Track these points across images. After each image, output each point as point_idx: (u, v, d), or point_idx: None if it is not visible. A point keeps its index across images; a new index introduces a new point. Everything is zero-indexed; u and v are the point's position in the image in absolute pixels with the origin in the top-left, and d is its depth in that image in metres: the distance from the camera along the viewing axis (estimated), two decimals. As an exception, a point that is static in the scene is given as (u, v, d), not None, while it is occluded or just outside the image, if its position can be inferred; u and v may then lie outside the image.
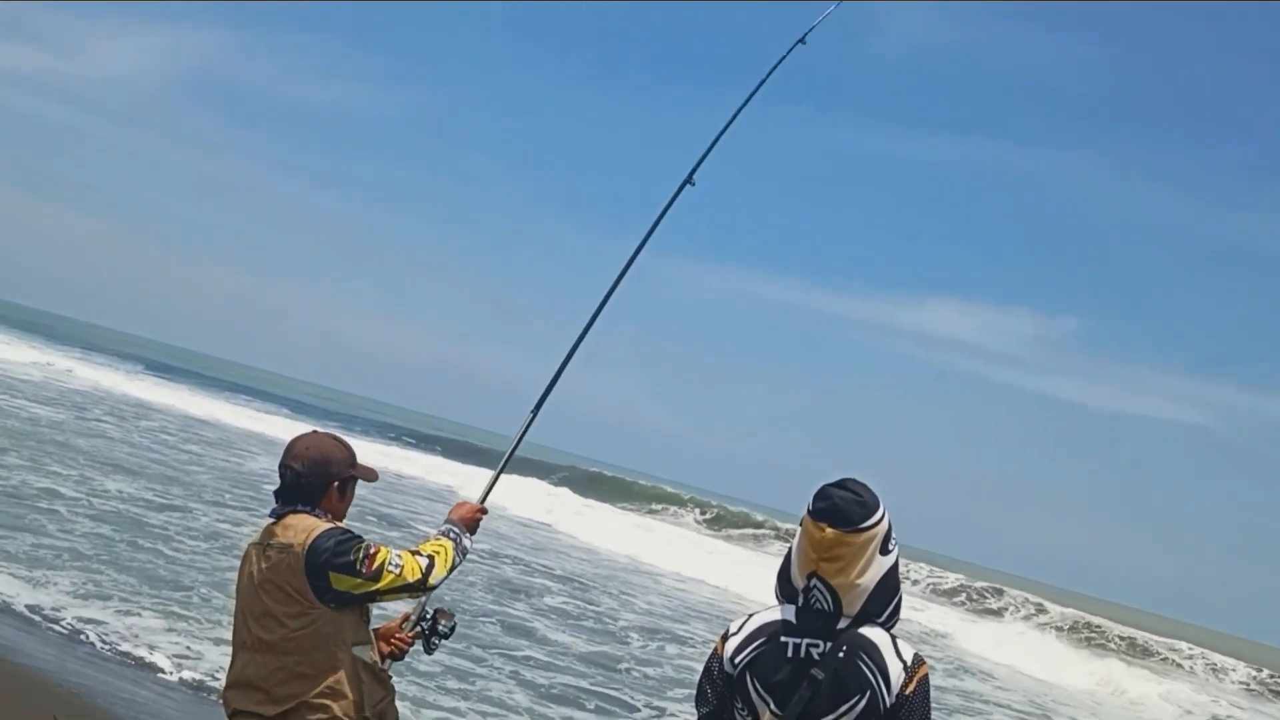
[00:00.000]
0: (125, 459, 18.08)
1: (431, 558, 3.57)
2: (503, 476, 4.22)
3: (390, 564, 3.44)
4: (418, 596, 3.70)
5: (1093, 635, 28.30)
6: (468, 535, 3.78)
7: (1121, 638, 28.06)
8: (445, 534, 3.72)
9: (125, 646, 8.27)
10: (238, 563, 3.66)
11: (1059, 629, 28.20)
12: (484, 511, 3.93)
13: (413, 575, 3.48)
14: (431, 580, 3.53)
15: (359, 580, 3.41)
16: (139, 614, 9.13)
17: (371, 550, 3.44)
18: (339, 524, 3.58)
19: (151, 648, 8.34)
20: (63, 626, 8.43)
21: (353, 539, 3.46)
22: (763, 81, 4.99)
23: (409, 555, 3.53)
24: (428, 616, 3.87)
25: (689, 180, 4.70)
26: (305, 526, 3.49)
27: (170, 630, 8.92)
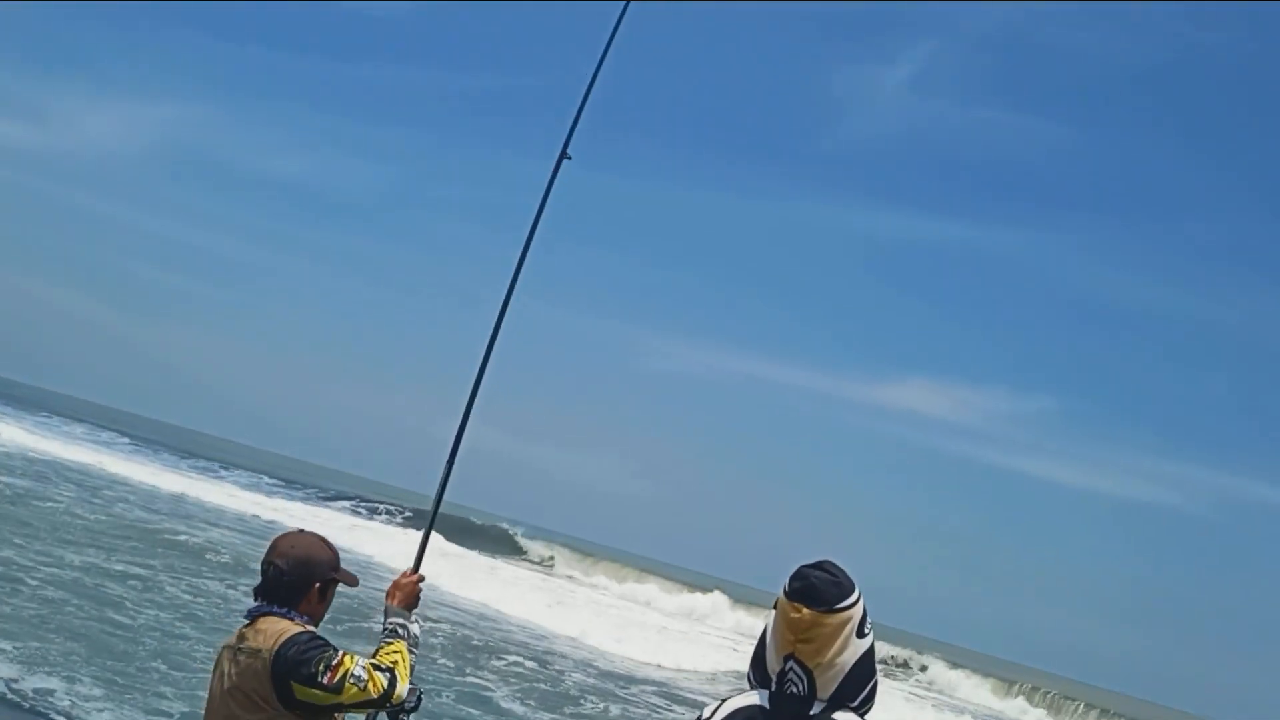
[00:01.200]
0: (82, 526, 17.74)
1: (392, 671, 3.48)
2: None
3: (353, 676, 3.37)
4: (383, 710, 3.59)
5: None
6: (414, 621, 3.69)
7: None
8: (393, 632, 3.63)
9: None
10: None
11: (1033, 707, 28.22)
12: (422, 579, 3.81)
13: (376, 691, 3.40)
14: (395, 695, 3.45)
15: (320, 692, 3.34)
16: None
17: (334, 661, 3.37)
18: (311, 628, 3.52)
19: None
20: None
21: (317, 648, 3.39)
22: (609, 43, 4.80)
23: (371, 669, 3.43)
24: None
25: (564, 155, 4.57)
26: (275, 631, 3.44)
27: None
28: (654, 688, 17.65)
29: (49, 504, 19.11)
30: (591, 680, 16.47)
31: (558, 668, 16.64)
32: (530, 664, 16.03)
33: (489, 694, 13.09)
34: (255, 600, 3.57)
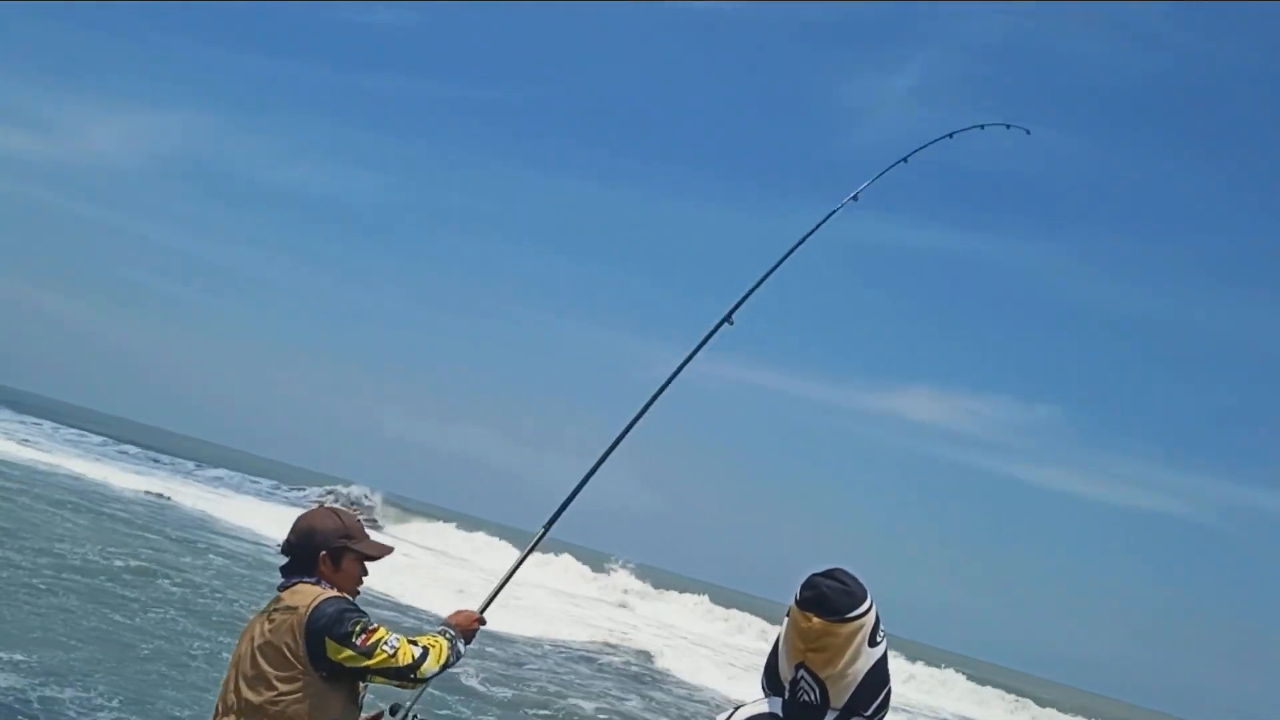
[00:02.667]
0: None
1: (426, 649, 3.57)
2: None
3: (385, 644, 3.46)
4: (406, 687, 3.65)
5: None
6: (463, 640, 3.76)
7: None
8: (441, 633, 3.72)
9: None
10: None
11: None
12: (482, 622, 3.91)
13: (404, 660, 3.48)
14: (423, 670, 3.53)
15: (352, 652, 3.44)
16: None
17: (370, 626, 3.48)
18: (346, 595, 3.62)
19: None
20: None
21: (355, 612, 3.51)
22: (809, 234, 5.01)
23: (404, 641, 3.54)
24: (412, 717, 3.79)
25: (727, 319, 4.65)
26: (311, 593, 3.55)
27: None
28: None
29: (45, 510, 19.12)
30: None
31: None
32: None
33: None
34: (283, 576, 3.68)
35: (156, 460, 46.72)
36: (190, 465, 48.47)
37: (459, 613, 3.88)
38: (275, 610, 3.56)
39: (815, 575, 2.67)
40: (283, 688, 3.42)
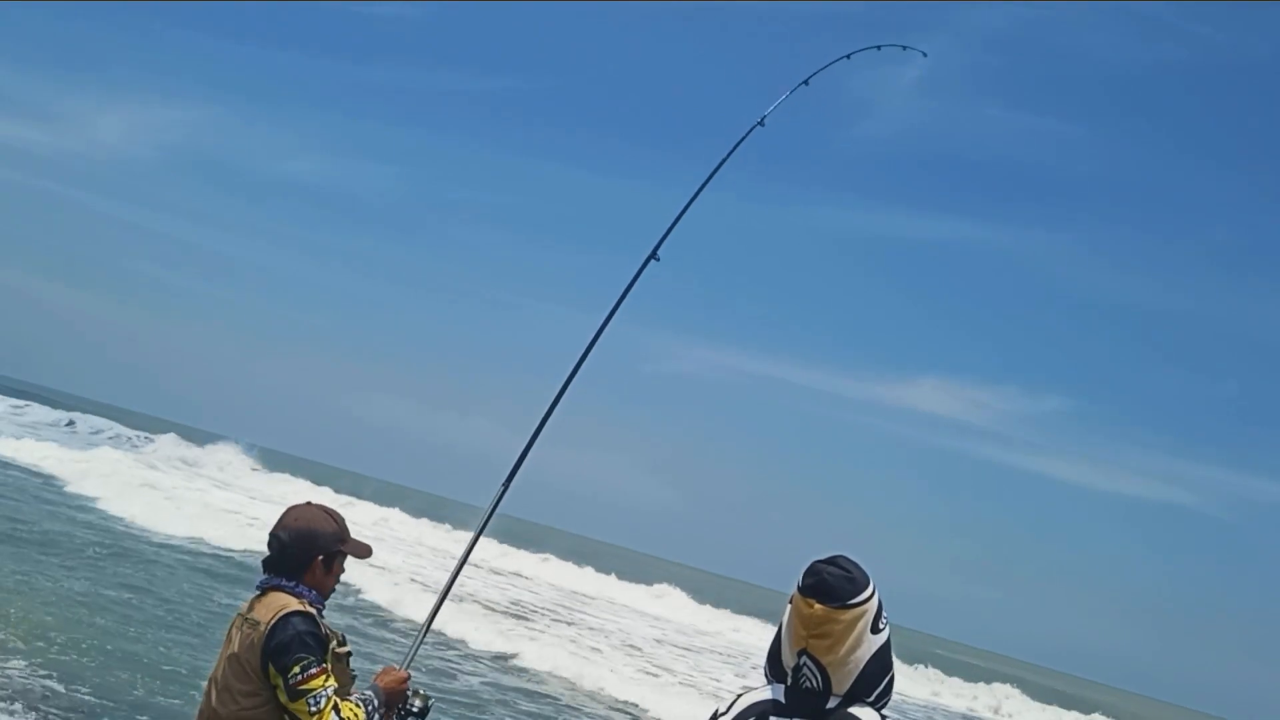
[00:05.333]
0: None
1: None
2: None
3: (313, 698, 3.38)
4: None
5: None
6: (383, 709, 3.68)
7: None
8: (363, 702, 3.62)
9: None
10: None
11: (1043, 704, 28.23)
12: (408, 679, 3.81)
13: None
14: None
15: (282, 686, 3.40)
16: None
17: (312, 671, 3.39)
18: (315, 610, 3.54)
19: None
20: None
21: (308, 647, 3.42)
22: (720, 164, 5.12)
23: (330, 705, 3.41)
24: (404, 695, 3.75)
25: (653, 256, 4.74)
26: (278, 605, 3.49)
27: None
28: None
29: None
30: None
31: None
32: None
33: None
34: (264, 573, 3.62)
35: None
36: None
37: (386, 672, 3.78)
38: (246, 621, 3.52)
39: (818, 562, 2.67)
40: (244, 701, 3.44)
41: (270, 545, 3.61)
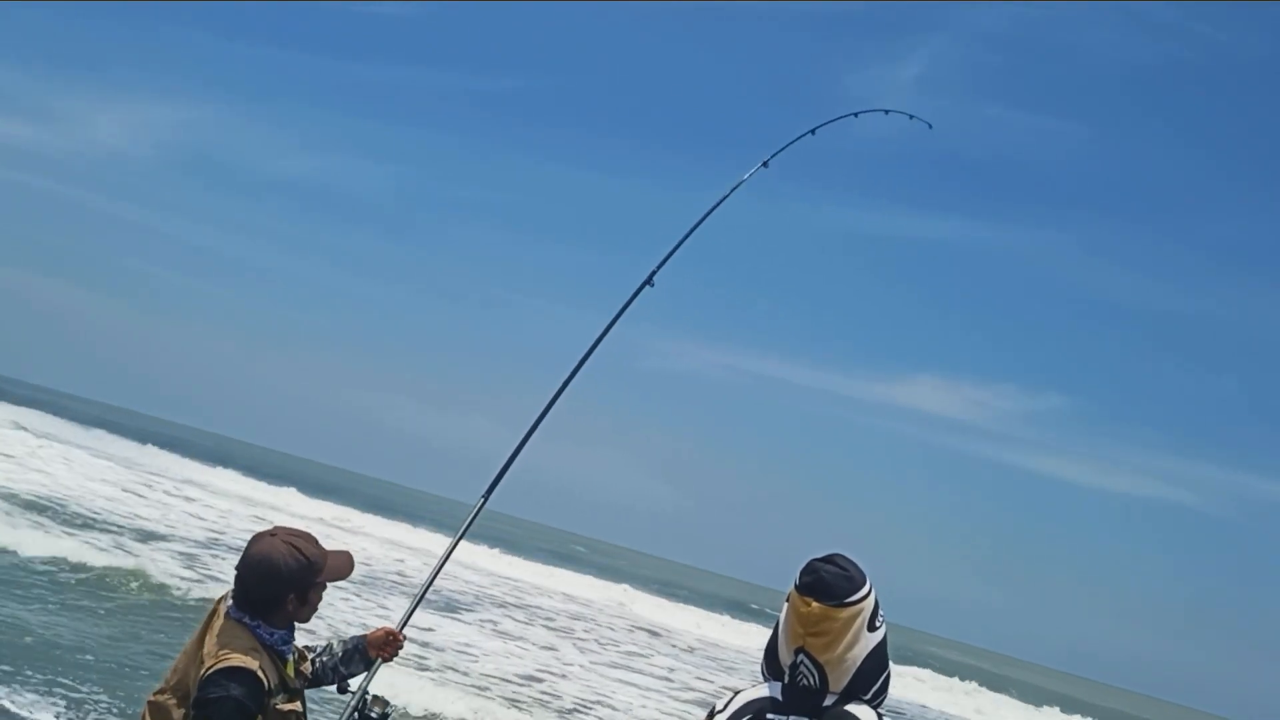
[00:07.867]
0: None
1: None
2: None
3: None
4: None
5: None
6: (361, 654, 3.59)
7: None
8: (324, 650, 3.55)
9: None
10: None
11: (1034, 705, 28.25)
12: (403, 637, 3.70)
13: None
14: None
15: None
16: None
17: None
18: (271, 655, 3.26)
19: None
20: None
21: (230, 715, 3.10)
22: (722, 200, 5.13)
23: None
24: (363, 705, 3.56)
25: (648, 282, 4.75)
26: (224, 647, 3.19)
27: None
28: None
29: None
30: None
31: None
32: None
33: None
34: (231, 601, 3.33)
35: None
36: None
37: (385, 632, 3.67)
38: (209, 630, 3.26)
39: (814, 560, 2.68)
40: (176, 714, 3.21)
41: (235, 581, 3.28)
